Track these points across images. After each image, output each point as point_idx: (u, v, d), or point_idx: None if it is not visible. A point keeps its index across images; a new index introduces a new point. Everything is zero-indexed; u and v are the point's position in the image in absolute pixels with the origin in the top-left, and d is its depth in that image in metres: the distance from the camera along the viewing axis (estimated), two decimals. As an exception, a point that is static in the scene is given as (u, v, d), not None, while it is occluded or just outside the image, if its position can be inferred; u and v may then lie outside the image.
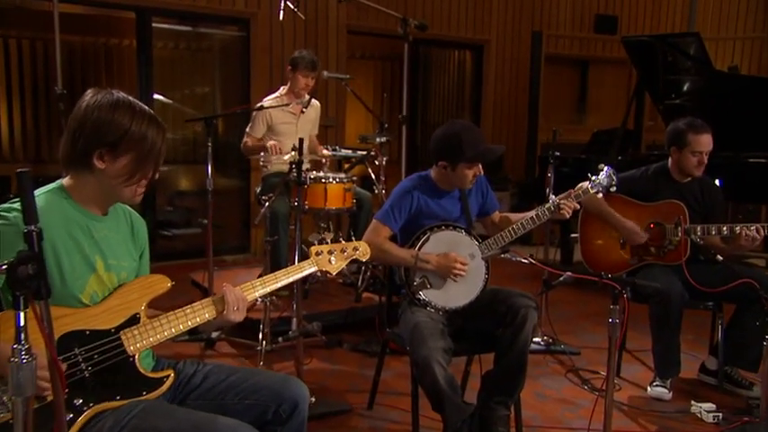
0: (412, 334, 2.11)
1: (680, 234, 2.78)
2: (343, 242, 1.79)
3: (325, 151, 3.98)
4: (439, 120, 6.82)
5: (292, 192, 3.28)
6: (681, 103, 4.65)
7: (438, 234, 2.28)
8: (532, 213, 2.36)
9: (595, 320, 3.93)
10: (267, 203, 3.21)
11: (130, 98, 1.49)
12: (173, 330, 1.52)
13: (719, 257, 2.56)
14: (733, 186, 3.87)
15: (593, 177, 2.46)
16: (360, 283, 3.62)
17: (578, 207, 2.43)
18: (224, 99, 5.60)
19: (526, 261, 2.13)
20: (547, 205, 2.35)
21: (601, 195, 2.49)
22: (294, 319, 2.94)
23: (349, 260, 1.79)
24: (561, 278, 2.02)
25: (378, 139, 3.85)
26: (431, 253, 2.25)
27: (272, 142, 3.58)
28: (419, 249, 2.25)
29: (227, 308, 1.57)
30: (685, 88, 4.65)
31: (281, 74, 5.19)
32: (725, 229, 2.73)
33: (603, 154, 4.75)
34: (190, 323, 1.53)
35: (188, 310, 1.55)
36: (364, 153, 3.92)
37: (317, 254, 1.75)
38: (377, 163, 3.81)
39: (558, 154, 3.43)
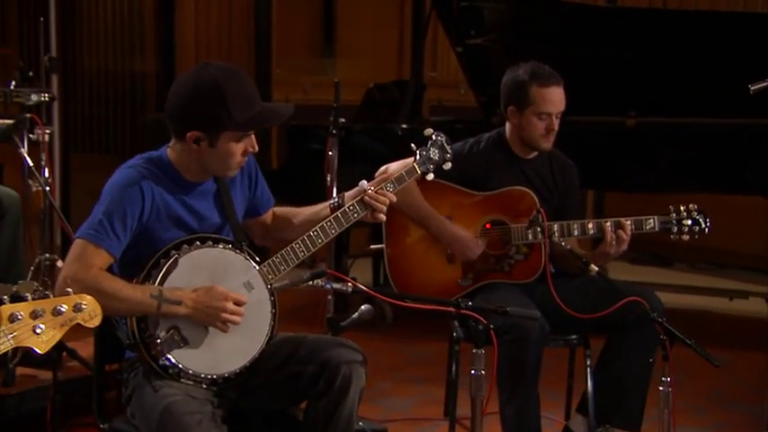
0: (160, 427, 1.98)
1: (536, 236, 2.77)
2: (53, 296, 1.64)
3: None
4: (104, 66, 6.27)
5: None
6: (484, 44, 4.80)
7: (191, 255, 2.13)
8: (330, 209, 2.29)
9: (411, 375, 3.91)
10: None
11: None
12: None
13: (594, 268, 2.59)
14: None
15: (419, 150, 2.41)
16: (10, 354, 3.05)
17: (395, 200, 2.33)
18: None
19: (347, 288, 2.07)
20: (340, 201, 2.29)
21: (431, 177, 2.43)
22: None
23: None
24: (356, 314, 2.07)
25: (32, 98, 3.51)
26: (182, 288, 2.10)
27: None
28: (161, 283, 2.09)
29: None
30: (490, 20, 4.81)
31: None
32: (591, 227, 2.78)
33: (385, 120, 4.76)
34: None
35: None
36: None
37: (13, 319, 1.57)
38: (33, 138, 3.48)
39: (344, 121, 3.32)
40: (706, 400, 3.58)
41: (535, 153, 2.96)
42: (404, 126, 4.59)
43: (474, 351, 1.99)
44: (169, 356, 2.05)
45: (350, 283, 2.05)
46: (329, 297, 3.30)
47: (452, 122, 5.24)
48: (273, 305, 2.17)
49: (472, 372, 2.00)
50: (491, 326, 1.96)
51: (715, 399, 3.61)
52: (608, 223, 2.76)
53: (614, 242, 2.75)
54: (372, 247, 3.14)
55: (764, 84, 2.62)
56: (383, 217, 2.29)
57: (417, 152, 2.40)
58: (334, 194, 3.04)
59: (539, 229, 2.75)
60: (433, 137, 2.42)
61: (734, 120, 4.51)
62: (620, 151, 4.55)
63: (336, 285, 2.08)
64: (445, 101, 6.83)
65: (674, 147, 4.47)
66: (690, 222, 2.76)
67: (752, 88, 2.65)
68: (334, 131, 3.39)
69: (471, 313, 1.94)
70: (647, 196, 5.01)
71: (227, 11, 6.58)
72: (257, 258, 2.19)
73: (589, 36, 4.69)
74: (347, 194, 2.30)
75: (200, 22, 6.47)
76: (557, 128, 2.88)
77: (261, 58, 6.50)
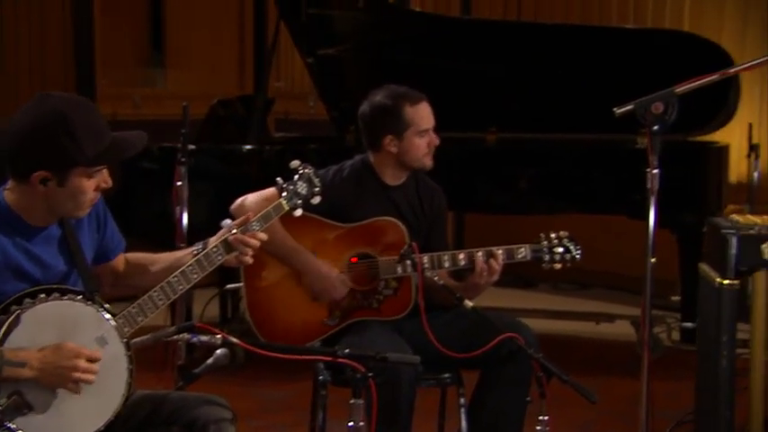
0: None
1: (405, 270, 2.86)
2: None
3: None
4: None
5: None
6: (337, 54, 4.92)
7: (36, 310, 2.09)
8: (193, 256, 2.30)
9: (270, 422, 3.89)
10: None
11: None
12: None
13: (468, 304, 2.72)
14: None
15: (286, 184, 2.46)
16: None
17: (265, 238, 2.39)
18: None
19: (217, 341, 2.09)
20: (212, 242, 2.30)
21: (300, 212, 2.49)
22: None
23: None
24: (211, 359, 2.09)
25: None
26: (26, 348, 2.05)
27: None
28: (1, 344, 2.04)
29: None
30: (342, 30, 4.95)
31: None
32: (462, 257, 2.90)
33: (232, 140, 4.77)
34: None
35: None
36: None
37: None
38: None
39: (194, 148, 3.31)
40: (579, 430, 3.81)
41: (403, 179, 3.07)
42: (251, 147, 4.62)
43: (351, 402, 2.03)
44: (10, 426, 1.99)
45: (219, 336, 2.05)
46: (180, 342, 3.27)
47: (304, 141, 5.32)
48: (130, 361, 2.14)
49: (350, 424, 2.04)
50: (370, 374, 2.02)
51: (587, 428, 3.84)
52: (479, 253, 2.89)
53: (485, 273, 2.87)
54: (229, 286, 3.13)
55: (629, 107, 2.86)
56: (250, 259, 2.32)
57: (283, 186, 2.44)
58: (184, 226, 3.06)
59: (409, 262, 2.85)
60: (300, 169, 2.47)
61: (594, 136, 4.84)
62: (480, 169, 4.74)
63: (204, 338, 2.08)
64: (293, 114, 6.91)
65: (535, 164, 4.71)
66: (561, 250, 2.95)
67: (617, 112, 2.87)
68: (182, 159, 3.35)
69: (350, 362, 1.99)
70: (510, 218, 5.28)
71: (37, 16, 6.31)
72: (110, 310, 2.15)
73: (445, 48, 4.90)
74: (211, 240, 2.32)
75: (6, 30, 6.24)
76: (437, 142, 3.03)
77: (82, 70, 6.36)
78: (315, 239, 2.97)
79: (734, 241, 2.76)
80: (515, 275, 6.24)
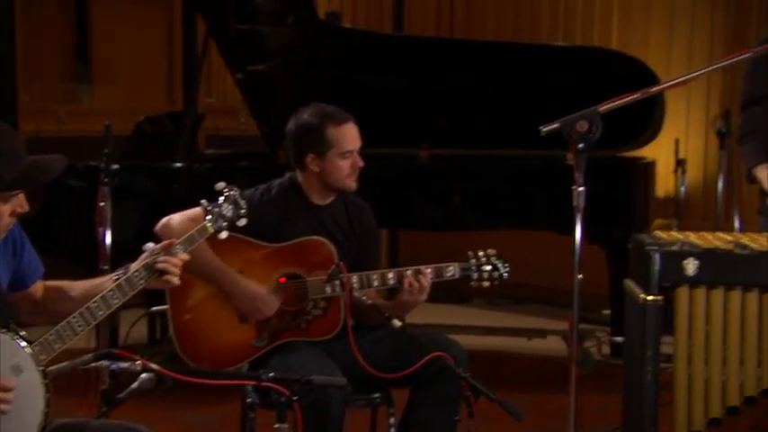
0: None
1: (335, 290, 2.86)
2: None
3: None
4: None
5: None
6: (267, 70, 4.90)
7: None
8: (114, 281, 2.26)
9: None
10: None
11: None
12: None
13: (397, 323, 2.73)
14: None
15: (211, 206, 2.44)
16: None
17: (188, 258, 2.37)
18: None
19: (136, 367, 2.05)
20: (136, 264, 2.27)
21: (225, 235, 2.46)
22: None
23: None
24: (136, 384, 2.07)
25: None
26: None
27: None
28: None
29: None
30: (272, 46, 4.93)
31: None
32: (391, 276, 2.92)
33: (159, 158, 4.71)
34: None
35: None
36: None
37: None
38: None
39: (117, 167, 3.24)
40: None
41: (331, 198, 3.08)
42: (180, 164, 4.57)
43: (276, 426, 2.02)
44: None
45: (139, 362, 2.02)
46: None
47: (235, 158, 5.28)
48: (47, 389, 2.08)
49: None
50: (294, 398, 2.02)
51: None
52: (408, 272, 2.91)
53: (414, 291, 2.90)
54: (153, 309, 3.09)
55: (554, 125, 2.91)
56: (177, 281, 2.30)
57: (208, 209, 2.42)
58: (107, 247, 3.01)
59: (337, 282, 2.85)
60: (225, 191, 2.45)
61: (526, 152, 4.90)
62: (414, 186, 4.77)
63: (124, 365, 2.05)
64: (224, 130, 6.82)
65: (468, 181, 4.76)
66: (489, 268, 2.99)
67: (543, 130, 2.92)
68: (105, 179, 3.31)
69: (273, 386, 1.98)
70: (445, 235, 5.32)
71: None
72: (26, 337, 2.09)
73: (377, 64, 4.93)
74: (133, 264, 2.28)
75: None
76: (362, 164, 3.03)
77: (3, 84, 6.17)
78: (242, 259, 2.95)
79: (657, 258, 2.80)
80: (450, 291, 6.28)
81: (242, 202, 2.47)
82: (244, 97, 5.15)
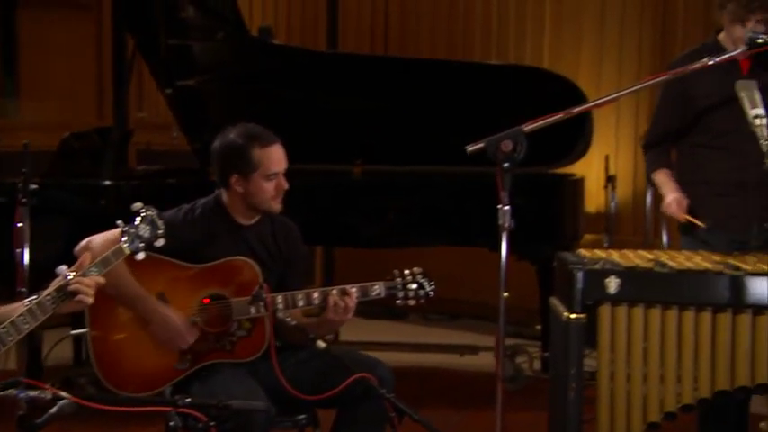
0: None
1: (259, 310, 2.86)
2: None
3: None
4: None
5: None
6: (198, 86, 4.87)
7: None
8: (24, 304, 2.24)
9: None
10: None
11: None
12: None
13: (321, 344, 2.73)
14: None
15: (127, 228, 2.42)
16: None
17: (103, 282, 2.34)
18: None
19: (46, 396, 2.01)
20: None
21: (142, 256, 2.44)
22: None
23: None
24: (54, 409, 2.01)
25: None
26: None
27: None
28: None
29: None
30: (203, 61, 4.89)
31: None
32: (316, 296, 2.93)
33: (85, 175, 4.63)
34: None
35: None
36: None
37: None
38: None
39: (35, 187, 3.25)
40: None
41: (256, 218, 3.07)
42: (107, 182, 4.50)
43: None
44: None
45: (49, 391, 1.98)
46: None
47: (164, 175, 5.22)
48: None
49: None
50: (212, 423, 2.00)
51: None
52: (333, 291, 2.93)
53: (340, 310, 2.91)
54: (73, 332, 3.05)
55: (480, 145, 2.95)
56: (90, 300, 2.26)
57: (124, 230, 2.40)
58: (25, 269, 2.95)
59: (261, 303, 2.85)
60: (142, 212, 2.44)
61: (457, 168, 4.94)
62: (347, 203, 4.78)
63: (33, 393, 2.00)
64: (155, 145, 6.75)
65: (400, 197, 4.78)
66: (415, 287, 3.01)
67: (468, 150, 2.96)
68: (23, 199, 3.26)
69: (189, 411, 1.97)
70: (380, 252, 5.34)
71: None
72: None
73: (309, 81, 4.93)
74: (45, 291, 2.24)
75: None
76: (287, 186, 3.03)
77: None
78: (166, 280, 2.93)
79: (579, 276, 2.84)
80: (385, 306, 6.30)
81: (159, 223, 2.45)
82: (173, 113, 5.09)
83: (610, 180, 5.54)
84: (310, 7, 7.08)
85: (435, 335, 6.08)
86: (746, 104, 2.72)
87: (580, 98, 4.51)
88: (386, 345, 5.20)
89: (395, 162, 5.11)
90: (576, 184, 4.84)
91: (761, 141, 2.62)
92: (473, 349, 5.20)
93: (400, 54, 6.61)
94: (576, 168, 5.32)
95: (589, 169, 5.85)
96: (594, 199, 5.88)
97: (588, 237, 5.73)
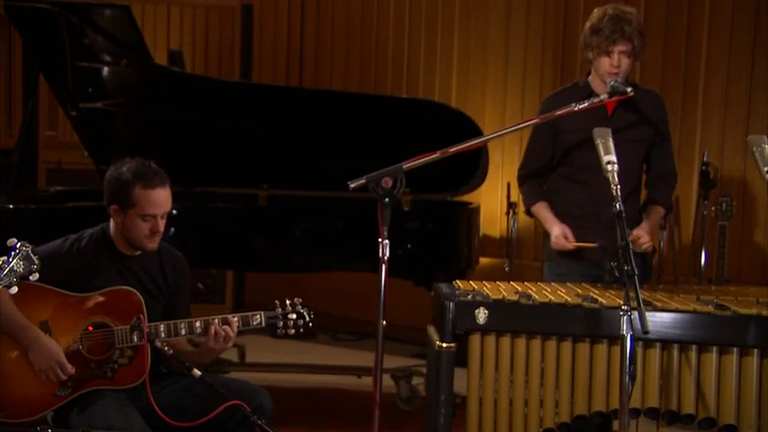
0: None
1: (141, 338, 2.95)
2: None
3: None
4: None
5: None
6: (104, 108, 4.92)
7: None
8: None
9: None
10: None
11: None
12: None
13: (197, 372, 2.84)
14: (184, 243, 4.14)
15: (0, 261, 2.49)
16: None
17: None
18: None
19: None
20: None
21: (15, 290, 2.52)
22: None
23: None
24: None
25: None
26: None
27: None
28: None
29: None
30: (110, 84, 4.95)
31: None
32: (198, 325, 3.03)
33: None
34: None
35: None
36: None
37: None
38: None
39: None
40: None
41: (140, 251, 3.16)
42: (9, 206, 4.49)
43: None
44: None
45: None
46: None
47: (67, 196, 5.21)
48: None
49: None
50: None
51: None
52: (216, 320, 3.03)
53: (221, 339, 3.02)
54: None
55: (361, 181, 3.09)
56: None
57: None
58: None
59: (138, 332, 2.95)
60: (17, 247, 2.51)
61: (364, 195, 5.06)
62: (253, 227, 4.83)
63: None
64: (66, 163, 6.77)
65: (305, 221, 4.81)
66: (294, 317, 3.15)
67: (351, 186, 3.10)
68: None
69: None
70: (290, 276, 5.42)
71: None
72: None
73: (216, 107, 5.00)
74: None
75: None
76: (162, 229, 3.10)
77: None
78: (52, 309, 2.99)
79: (451, 307, 3.02)
80: (293, 327, 6.41)
81: (34, 257, 2.53)
82: (78, 135, 5.12)
83: (511, 207, 5.71)
84: (227, 33, 7.14)
85: (341, 356, 6.16)
86: (601, 150, 2.89)
87: (475, 131, 4.69)
88: (290, 366, 5.31)
89: (301, 187, 5.21)
90: (472, 212, 4.95)
91: (611, 186, 2.80)
92: (370, 371, 5.31)
93: (315, 85, 6.77)
94: (480, 195, 5.49)
95: (492, 196, 6.07)
96: (498, 224, 6.09)
97: (489, 261, 5.94)
